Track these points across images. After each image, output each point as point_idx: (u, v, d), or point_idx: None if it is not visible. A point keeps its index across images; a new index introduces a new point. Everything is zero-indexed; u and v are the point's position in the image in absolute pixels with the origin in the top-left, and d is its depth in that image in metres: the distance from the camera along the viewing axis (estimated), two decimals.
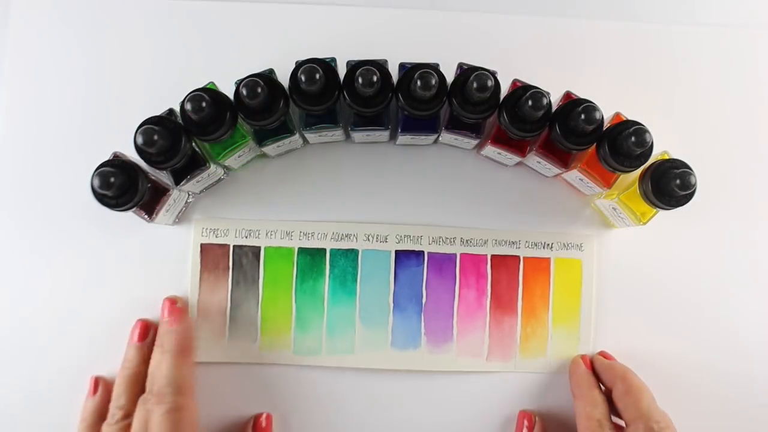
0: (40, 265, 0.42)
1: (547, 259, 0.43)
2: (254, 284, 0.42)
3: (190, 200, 0.42)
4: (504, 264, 0.43)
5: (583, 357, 0.41)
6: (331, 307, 0.42)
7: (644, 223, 0.38)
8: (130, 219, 0.40)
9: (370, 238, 0.43)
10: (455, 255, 0.43)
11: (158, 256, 0.42)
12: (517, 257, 0.43)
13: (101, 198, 0.34)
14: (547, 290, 0.43)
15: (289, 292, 0.42)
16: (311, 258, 0.42)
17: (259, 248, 0.42)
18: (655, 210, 0.37)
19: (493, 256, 0.43)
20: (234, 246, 0.42)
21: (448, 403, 0.42)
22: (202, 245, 0.42)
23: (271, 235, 0.42)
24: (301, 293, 0.42)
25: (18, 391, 0.41)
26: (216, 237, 0.42)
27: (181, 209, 0.42)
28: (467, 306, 0.43)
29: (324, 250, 0.42)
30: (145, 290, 0.42)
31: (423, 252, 0.43)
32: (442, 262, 0.43)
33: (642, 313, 0.43)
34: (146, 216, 0.38)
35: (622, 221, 0.41)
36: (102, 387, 0.40)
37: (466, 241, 0.43)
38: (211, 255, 0.42)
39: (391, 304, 0.42)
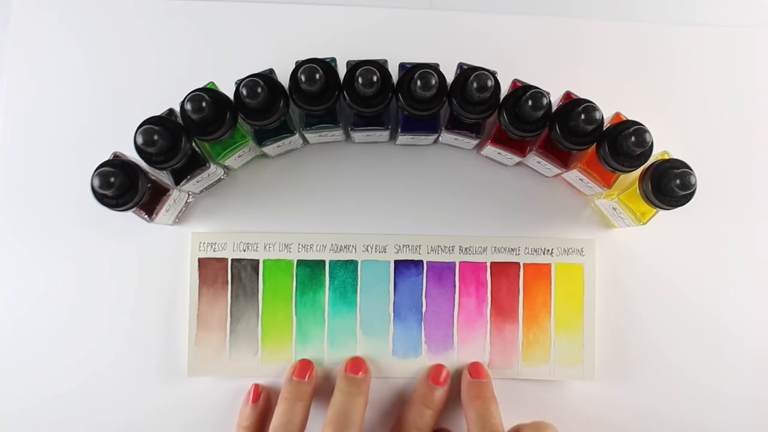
0: (40, 265, 0.42)
1: (548, 265, 0.43)
2: (254, 297, 0.42)
3: (190, 200, 0.42)
4: (504, 271, 0.43)
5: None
6: (331, 319, 0.42)
7: (644, 223, 0.38)
8: (130, 219, 0.40)
9: (369, 248, 0.42)
10: (454, 264, 0.43)
11: (158, 257, 0.42)
12: (517, 264, 0.43)
13: (101, 198, 0.34)
14: (548, 297, 0.43)
15: (289, 304, 0.42)
16: (311, 270, 0.42)
17: (257, 261, 0.42)
18: (655, 210, 0.37)
19: (492, 263, 0.43)
20: (232, 260, 0.42)
21: (450, 411, 0.42)
22: (200, 260, 0.42)
23: (269, 247, 0.42)
24: (301, 305, 0.42)
25: (16, 392, 0.41)
26: (214, 251, 0.42)
27: (182, 209, 0.42)
28: (467, 314, 0.42)
29: (323, 261, 0.42)
30: (144, 290, 0.42)
31: (422, 261, 0.43)
32: (441, 271, 0.43)
33: (642, 313, 0.43)
34: (146, 216, 0.38)
35: (622, 221, 0.41)
36: (263, 396, 0.41)
37: (465, 248, 0.43)
38: (209, 269, 0.42)
39: (392, 314, 0.42)
